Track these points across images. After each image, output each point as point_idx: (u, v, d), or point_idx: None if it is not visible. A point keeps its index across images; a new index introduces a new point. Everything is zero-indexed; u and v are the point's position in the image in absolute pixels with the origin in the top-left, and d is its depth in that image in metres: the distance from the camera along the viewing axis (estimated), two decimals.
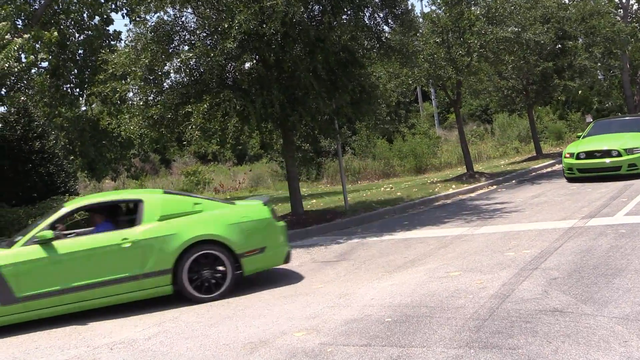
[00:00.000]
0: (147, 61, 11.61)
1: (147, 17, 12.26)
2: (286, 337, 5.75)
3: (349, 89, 12.20)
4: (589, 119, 27.02)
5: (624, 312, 5.36)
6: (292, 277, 8.47)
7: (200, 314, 7.03)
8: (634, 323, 5.08)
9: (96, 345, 6.23)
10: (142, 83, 12.13)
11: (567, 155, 15.73)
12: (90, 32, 21.35)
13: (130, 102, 15.96)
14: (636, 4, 32.82)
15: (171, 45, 12.08)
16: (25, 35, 14.03)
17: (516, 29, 17.67)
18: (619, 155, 14.93)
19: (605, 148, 15.22)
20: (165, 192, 8.47)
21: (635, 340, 4.73)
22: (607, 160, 15.01)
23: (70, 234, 7.95)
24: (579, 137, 17.37)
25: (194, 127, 11.28)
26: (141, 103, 12.42)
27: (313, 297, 7.15)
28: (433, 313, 5.92)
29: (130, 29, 20.94)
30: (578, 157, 15.38)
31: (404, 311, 6.09)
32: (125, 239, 7.44)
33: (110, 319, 7.17)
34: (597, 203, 11.60)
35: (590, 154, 15.28)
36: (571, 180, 15.64)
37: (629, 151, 14.90)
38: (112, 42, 21.31)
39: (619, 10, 31.30)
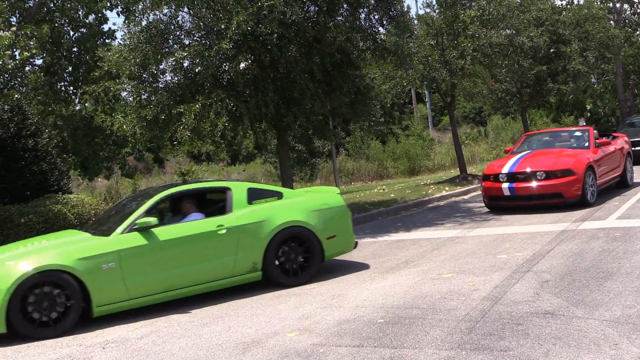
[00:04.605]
0: (138, 60, 11.58)
1: (142, 17, 12.22)
2: (279, 337, 5.76)
3: (345, 90, 12.21)
4: (582, 122, 27.13)
5: (614, 315, 5.39)
6: None
7: (193, 313, 7.03)
8: (625, 326, 5.11)
9: (88, 344, 6.22)
10: (136, 82, 12.11)
11: None
12: (84, 30, 21.28)
13: (123, 100, 15.93)
14: (629, 8, 33.00)
15: (165, 45, 12.06)
16: (13, 28, 13.96)
17: (509, 32, 17.76)
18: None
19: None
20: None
21: (626, 343, 4.76)
22: None
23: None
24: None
25: (185, 127, 11.27)
26: (134, 102, 12.39)
27: (306, 298, 7.16)
28: (425, 315, 5.94)
29: (121, 28, 20.88)
30: None
31: (397, 312, 6.11)
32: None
33: (102, 318, 7.15)
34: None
35: None
36: None
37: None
38: (107, 41, 21.24)
39: (613, 15, 31.45)
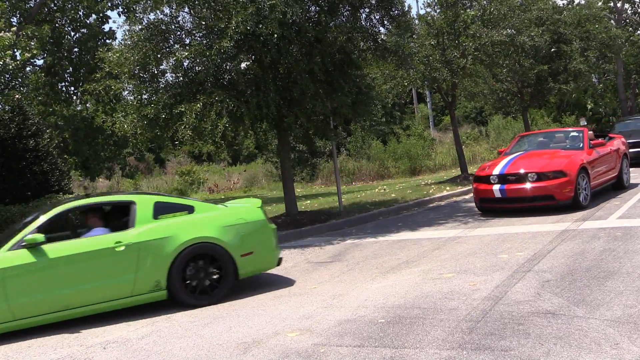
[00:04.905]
0: (138, 58, 11.57)
1: (143, 16, 12.20)
2: (279, 337, 5.75)
3: (346, 90, 12.21)
4: (583, 122, 27.12)
5: (615, 315, 5.38)
6: (286, 278, 8.48)
7: (194, 314, 7.03)
8: (626, 325, 5.11)
9: (89, 345, 6.22)
10: (137, 82, 12.10)
11: None
12: (85, 30, 21.30)
13: (123, 100, 15.93)
14: (630, 8, 33.00)
15: (166, 45, 12.05)
16: (13, 29, 14.00)
17: (510, 32, 17.75)
18: None
19: None
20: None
21: (627, 342, 4.76)
22: None
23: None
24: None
25: (186, 126, 11.26)
26: (135, 102, 12.38)
27: (307, 298, 7.16)
28: (426, 314, 5.93)
29: (120, 26, 20.88)
30: None
31: (397, 312, 6.11)
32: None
33: (103, 318, 7.16)
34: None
35: None
36: None
37: None
38: (108, 41, 21.27)
39: (614, 14, 31.44)
